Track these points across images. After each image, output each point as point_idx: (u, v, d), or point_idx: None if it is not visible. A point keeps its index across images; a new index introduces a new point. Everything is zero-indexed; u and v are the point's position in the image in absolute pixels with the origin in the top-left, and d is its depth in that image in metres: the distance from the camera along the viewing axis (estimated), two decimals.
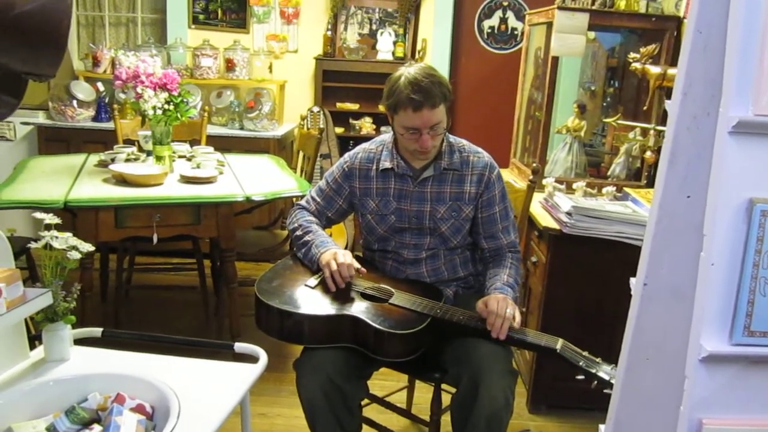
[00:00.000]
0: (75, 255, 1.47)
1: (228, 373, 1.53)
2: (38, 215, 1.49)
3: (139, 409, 1.36)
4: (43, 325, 1.52)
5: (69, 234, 1.50)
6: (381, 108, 4.60)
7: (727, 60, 0.81)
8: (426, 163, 2.08)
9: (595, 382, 1.74)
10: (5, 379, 1.45)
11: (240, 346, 1.62)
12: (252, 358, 1.60)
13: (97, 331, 1.67)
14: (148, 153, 3.29)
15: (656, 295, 1.00)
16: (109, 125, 4.26)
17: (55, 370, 1.49)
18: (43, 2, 1.06)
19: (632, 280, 1.07)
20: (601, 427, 1.18)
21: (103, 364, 1.52)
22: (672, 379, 1.00)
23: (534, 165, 2.41)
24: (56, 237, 1.47)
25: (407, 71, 1.95)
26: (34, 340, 1.63)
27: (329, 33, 4.63)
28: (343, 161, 2.19)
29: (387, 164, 2.09)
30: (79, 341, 1.63)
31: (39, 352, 1.57)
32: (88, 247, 1.51)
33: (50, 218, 1.48)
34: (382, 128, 4.72)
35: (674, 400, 0.99)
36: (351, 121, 4.75)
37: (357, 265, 1.99)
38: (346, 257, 1.98)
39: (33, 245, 1.48)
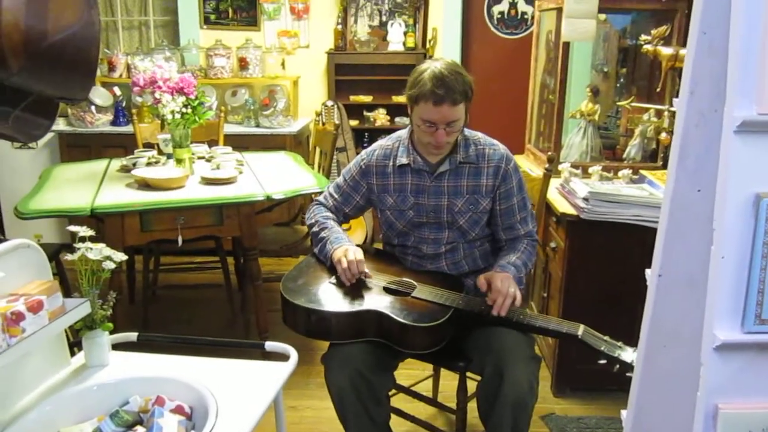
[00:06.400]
0: (110, 265, 1.53)
1: (260, 372, 1.58)
2: (72, 228, 1.55)
3: (178, 410, 1.42)
4: (82, 333, 1.58)
5: (102, 245, 1.56)
6: (395, 99, 4.66)
7: (730, 62, 0.84)
8: (442, 158, 2.10)
9: (617, 365, 1.78)
10: (51, 386, 1.51)
11: (271, 345, 1.68)
12: (282, 356, 1.66)
13: (132, 336, 1.74)
14: (168, 156, 3.36)
15: (671, 285, 1.04)
16: (128, 129, 4.33)
17: (97, 375, 1.56)
18: (74, 31, 1.11)
19: (647, 272, 1.10)
20: (623, 412, 1.22)
21: (142, 368, 1.59)
22: (689, 364, 1.03)
23: (549, 153, 2.43)
24: (91, 248, 1.53)
25: (434, 65, 1.97)
26: (73, 347, 1.69)
27: (340, 27, 4.65)
28: (360, 158, 2.23)
29: (403, 160, 2.13)
30: (116, 346, 1.70)
31: (79, 358, 1.63)
32: (121, 257, 1.57)
33: (84, 230, 1.54)
34: (397, 119, 4.75)
35: (692, 385, 1.03)
36: (365, 113, 4.78)
37: (364, 267, 2.01)
38: (357, 254, 2.02)
39: (69, 257, 1.54)
